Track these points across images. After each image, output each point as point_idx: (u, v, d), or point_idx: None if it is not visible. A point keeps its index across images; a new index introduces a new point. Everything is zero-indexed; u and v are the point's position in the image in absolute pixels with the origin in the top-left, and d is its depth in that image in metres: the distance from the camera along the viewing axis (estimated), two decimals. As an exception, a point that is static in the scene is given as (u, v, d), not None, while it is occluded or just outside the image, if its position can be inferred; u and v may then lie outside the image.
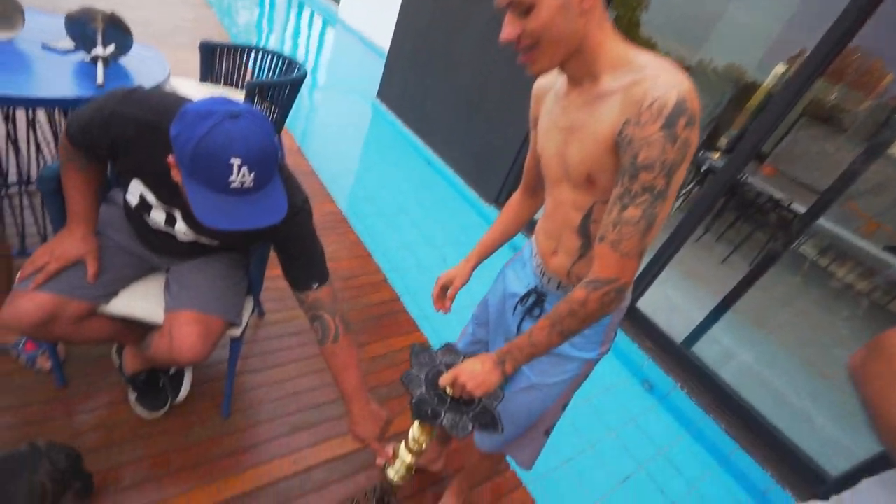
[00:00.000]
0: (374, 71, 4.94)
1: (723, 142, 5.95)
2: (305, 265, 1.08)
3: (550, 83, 0.93)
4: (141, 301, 1.20)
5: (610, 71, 0.76)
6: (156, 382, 1.39)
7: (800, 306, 4.26)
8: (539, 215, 1.08)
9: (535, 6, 0.69)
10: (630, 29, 5.47)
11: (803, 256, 4.80)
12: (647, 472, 2.00)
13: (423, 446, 1.11)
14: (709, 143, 5.74)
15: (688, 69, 6.02)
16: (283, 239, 1.04)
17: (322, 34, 8.26)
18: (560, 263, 0.96)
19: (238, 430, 1.47)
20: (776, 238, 2.47)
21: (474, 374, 0.90)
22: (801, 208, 4.28)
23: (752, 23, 5.39)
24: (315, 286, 1.09)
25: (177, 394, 1.42)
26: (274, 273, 2.07)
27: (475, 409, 0.98)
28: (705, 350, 2.56)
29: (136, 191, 1.05)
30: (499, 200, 3.56)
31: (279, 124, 2.47)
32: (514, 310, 1.09)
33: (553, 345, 0.84)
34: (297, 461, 1.44)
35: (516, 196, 1.18)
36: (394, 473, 1.18)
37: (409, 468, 1.17)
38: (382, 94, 4.88)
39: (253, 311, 1.40)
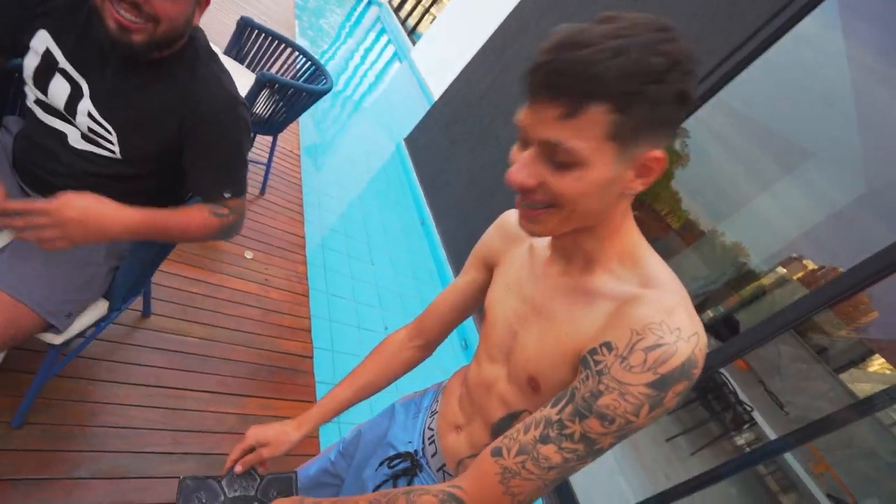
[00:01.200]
0: (418, 116, 4.92)
1: (707, 315, 5.90)
2: (222, 171, 0.97)
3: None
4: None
5: (611, 264, 0.58)
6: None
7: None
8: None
9: (580, 166, 0.48)
10: (661, 178, 5.56)
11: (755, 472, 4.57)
12: None
13: None
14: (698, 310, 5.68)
15: (701, 233, 6.13)
16: (209, 135, 0.93)
17: (388, 64, 8.47)
18: (456, 446, 0.73)
19: (25, 449, 1.14)
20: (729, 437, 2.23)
21: None
22: (761, 420, 4.12)
23: (773, 219, 5.53)
24: (227, 196, 0.98)
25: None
26: (187, 272, 1.83)
27: None
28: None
29: (40, 46, 0.85)
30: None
31: (282, 125, 2.30)
32: (380, 465, 0.82)
33: None
34: (67, 522, 1.10)
35: (399, 337, 0.89)
36: None
37: None
38: (411, 140, 4.82)
39: (110, 315, 1.12)
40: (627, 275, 0.56)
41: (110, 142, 0.91)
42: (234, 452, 0.79)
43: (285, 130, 2.51)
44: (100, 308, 1.05)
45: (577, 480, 2.37)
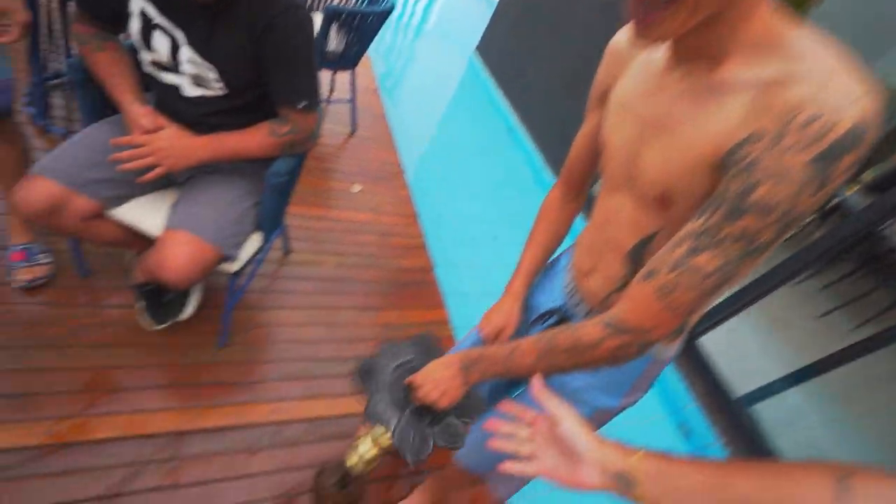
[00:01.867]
0: (482, 23, 4.64)
1: (868, 175, 5.00)
2: (293, 78, 1.06)
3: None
4: (146, 214, 1.16)
5: (746, 52, 0.51)
6: (162, 296, 1.39)
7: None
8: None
9: None
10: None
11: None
12: None
13: (387, 444, 1.00)
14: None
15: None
16: (274, 43, 1.00)
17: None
18: (595, 288, 0.77)
19: (230, 362, 1.45)
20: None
21: (436, 380, 0.77)
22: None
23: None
24: (301, 105, 1.08)
25: (180, 311, 1.42)
26: (310, 212, 2.05)
27: (439, 421, 0.84)
28: (767, 412, 2.20)
29: (136, 9, 0.99)
30: (573, 188, 3.25)
31: (357, 57, 2.34)
32: (530, 326, 0.91)
33: (535, 374, 0.66)
34: (275, 411, 1.40)
35: (554, 197, 0.94)
36: (353, 461, 1.09)
37: (369, 463, 1.07)
38: (482, 49, 4.58)
39: (266, 245, 1.33)
40: (766, 56, 0.49)
41: (214, 80, 1.04)
42: (486, 343, 0.90)
43: (360, 66, 2.55)
44: (256, 239, 1.25)
45: (721, 363, 2.32)
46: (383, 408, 0.84)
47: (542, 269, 0.95)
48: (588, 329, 0.62)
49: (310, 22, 1.03)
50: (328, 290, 1.80)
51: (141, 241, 1.24)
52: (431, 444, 0.82)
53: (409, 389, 0.86)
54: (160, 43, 1.01)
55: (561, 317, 0.85)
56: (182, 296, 1.42)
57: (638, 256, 0.68)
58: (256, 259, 1.35)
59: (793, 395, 2.21)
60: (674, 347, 0.78)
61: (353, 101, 2.53)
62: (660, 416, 2.22)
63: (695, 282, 0.53)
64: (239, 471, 1.25)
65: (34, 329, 1.28)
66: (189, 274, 1.05)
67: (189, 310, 1.43)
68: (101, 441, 1.17)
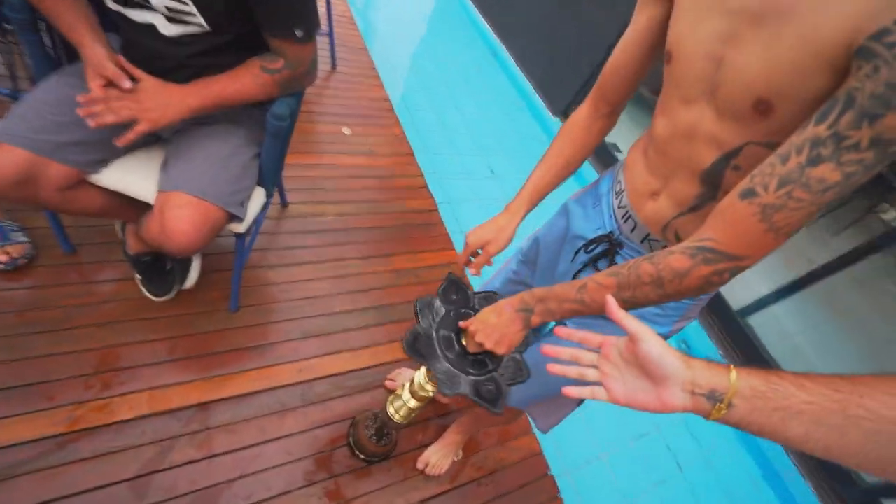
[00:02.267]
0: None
1: None
2: (292, 4, 0.89)
3: None
4: (134, 176, 1.03)
5: None
6: (162, 265, 1.28)
7: (882, 288, 3.72)
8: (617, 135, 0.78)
9: None
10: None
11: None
12: (663, 435, 1.87)
13: (431, 394, 0.97)
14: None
15: None
16: None
17: None
18: (658, 211, 0.69)
19: (245, 326, 1.38)
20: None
21: (491, 326, 0.72)
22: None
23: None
24: (299, 34, 0.92)
25: (184, 280, 1.32)
26: (304, 160, 1.90)
27: (496, 367, 0.80)
28: (762, 324, 2.27)
29: None
30: (565, 114, 3.10)
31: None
32: (575, 256, 0.84)
33: (597, 310, 0.63)
34: (302, 370, 1.36)
35: (584, 113, 0.83)
36: (394, 412, 1.07)
37: (410, 412, 1.04)
38: (457, -38, 4.17)
39: (267, 201, 1.21)
40: None
41: (192, 14, 0.87)
42: (461, 258, 0.86)
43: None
44: (259, 195, 1.13)
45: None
46: (433, 354, 0.79)
47: (555, 188, 0.86)
48: (675, 260, 0.55)
49: None
50: (333, 242, 1.70)
51: (131, 210, 1.12)
52: (476, 391, 0.78)
53: (462, 336, 0.81)
54: None
55: (610, 243, 0.78)
56: (183, 263, 1.32)
57: (717, 175, 0.60)
58: (258, 216, 1.24)
59: (782, 306, 2.27)
60: None
61: (330, 33, 2.28)
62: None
63: (809, 198, 0.46)
64: (272, 433, 1.23)
65: (27, 315, 1.18)
66: (196, 240, 0.94)
67: (193, 276, 1.33)
68: (126, 421, 1.12)
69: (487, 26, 3.76)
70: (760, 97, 0.52)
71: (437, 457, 1.31)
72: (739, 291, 2.31)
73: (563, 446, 1.65)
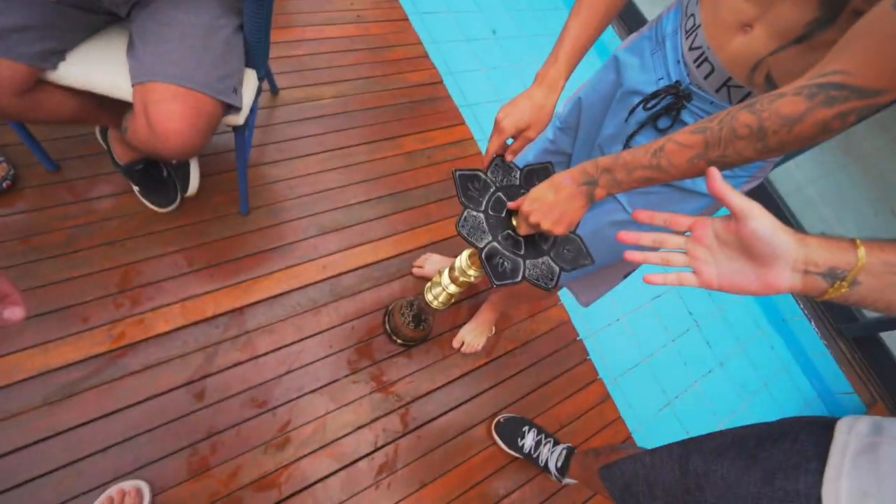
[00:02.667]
0: None
1: None
2: None
3: None
4: (99, 68, 0.87)
5: None
6: (159, 173, 1.17)
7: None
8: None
9: None
10: None
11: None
12: (679, 293, 1.90)
13: (473, 279, 0.94)
14: None
15: None
16: None
17: None
18: (750, 46, 0.56)
19: (261, 228, 1.32)
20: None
21: (548, 204, 0.63)
22: None
23: None
24: None
25: (185, 186, 1.22)
26: (286, 36, 1.65)
27: (550, 248, 0.75)
28: (779, 176, 2.18)
29: None
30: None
31: None
32: (630, 114, 0.72)
33: (689, 176, 0.54)
34: (326, 266, 1.33)
35: None
36: (433, 298, 1.05)
37: (450, 297, 1.03)
38: None
39: (259, 88, 1.06)
40: None
41: None
42: (491, 146, 0.73)
43: None
44: (251, 79, 0.98)
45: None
46: (479, 226, 0.72)
47: (593, 44, 0.70)
48: (787, 100, 0.45)
49: None
50: (335, 128, 1.55)
51: (108, 111, 0.98)
52: (558, 273, 0.73)
53: (512, 215, 0.74)
54: None
55: (677, 96, 0.65)
56: (181, 167, 1.21)
57: (820, 24, 0.48)
58: (253, 104, 1.09)
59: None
60: None
61: None
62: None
63: None
64: (310, 330, 1.24)
65: (32, 241, 1.11)
66: (193, 138, 0.82)
67: (194, 182, 1.23)
68: (165, 334, 1.12)
69: None
70: None
71: (472, 335, 1.35)
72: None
73: (588, 312, 1.70)
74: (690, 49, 0.63)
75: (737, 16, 0.56)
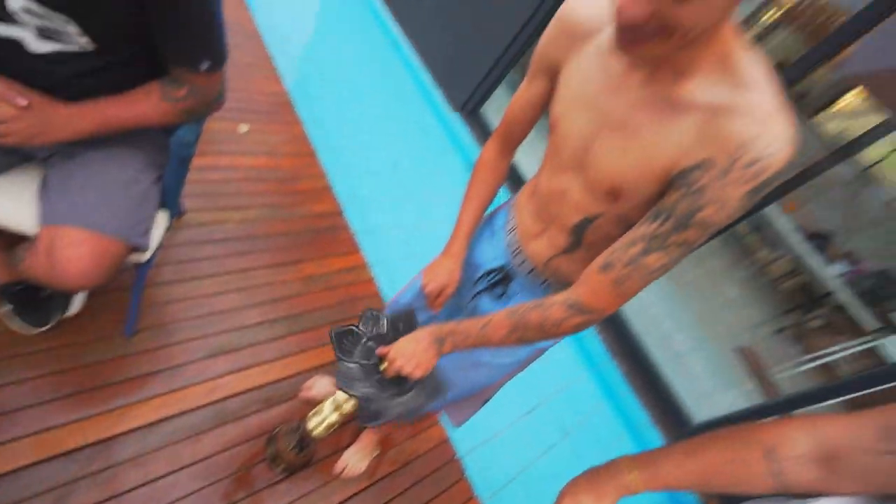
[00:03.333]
0: None
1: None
2: (195, 31, 0.84)
3: (596, 21, 0.68)
4: (5, 202, 0.91)
5: (706, 71, 0.56)
6: (36, 293, 1.15)
7: (710, 266, 4.58)
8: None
9: None
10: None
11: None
12: (549, 406, 2.16)
13: (350, 415, 1.05)
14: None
15: None
16: None
17: None
18: (540, 250, 0.86)
19: (145, 350, 1.30)
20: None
21: (409, 354, 0.83)
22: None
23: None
24: (205, 66, 0.87)
25: (66, 306, 1.20)
26: (200, 162, 1.77)
27: (404, 391, 0.91)
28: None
29: None
30: (464, 109, 3.24)
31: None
32: (475, 282, 0.98)
33: (505, 346, 0.78)
34: (213, 390, 1.33)
35: (491, 154, 0.95)
36: (314, 426, 1.12)
37: (329, 427, 1.11)
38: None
39: (169, 225, 1.15)
40: (720, 78, 0.55)
41: (76, 33, 0.78)
42: (430, 298, 0.94)
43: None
44: (162, 219, 1.07)
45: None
46: (353, 375, 0.88)
47: (476, 226, 0.99)
48: (554, 311, 0.71)
49: None
50: (237, 251, 1.64)
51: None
52: (394, 413, 0.89)
53: (380, 360, 0.90)
54: None
55: (505, 274, 0.93)
56: (64, 288, 1.19)
57: (581, 231, 0.77)
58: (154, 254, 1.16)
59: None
60: None
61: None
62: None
63: (643, 276, 0.64)
64: (187, 459, 1.20)
65: None
66: (96, 278, 0.88)
67: (78, 301, 1.21)
68: (13, 472, 1.02)
69: (389, 16, 3.71)
70: (613, 186, 0.68)
71: (355, 459, 1.40)
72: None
73: (465, 429, 1.83)
74: (510, 243, 0.91)
75: (532, 228, 0.86)
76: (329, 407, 1.09)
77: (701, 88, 0.57)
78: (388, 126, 2.84)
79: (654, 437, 2.30)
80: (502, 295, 0.95)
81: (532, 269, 0.88)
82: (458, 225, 0.96)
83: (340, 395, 1.04)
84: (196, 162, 1.73)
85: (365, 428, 1.45)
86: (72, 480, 1.06)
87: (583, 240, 0.77)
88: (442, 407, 1.21)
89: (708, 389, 2.98)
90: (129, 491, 1.10)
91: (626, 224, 0.67)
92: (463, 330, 0.80)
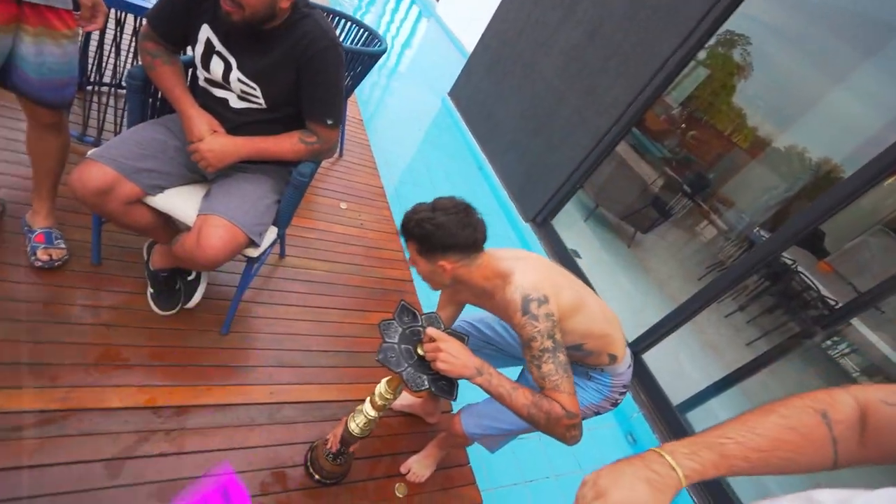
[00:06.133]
0: (454, 69, 5.08)
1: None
2: (325, 100, 1.28)
3: None
4: (181, 201, 1.31)
5: (494, 284, 1.07)
6: (173, 284, 1.51)
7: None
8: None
9: (415, 264, 1.10)
10: (722, 92, 5.37)
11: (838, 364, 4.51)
12: (585, 472, 1.96)
13: (388, 403, 1.18)
14: (773, 225, 5.51)
15: (769, 144, 5.86)
16: (313, 72, 1.22)
17: (415, 24, 8.52)
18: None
19: (232, 348, 1.57)
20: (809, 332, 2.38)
21: (453, 355, 1.00)
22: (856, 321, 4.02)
23: (847, 116, 5.17)
24: (329, 122, 1.31)
25: (189, 298, 1.54)
26: (303, 223, 2.22)
27: (434, 373, 1.04)
28: (698, 418, 2.49)
29: (203, 37, 1.20)
30: (535, 220, 3.58)
31: (349, 91, 2.59)
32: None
33: (515, 411, 0.99)
34: (274, 393, 1.52)
35: None
36: (355, 426, 1.24)
37: (370, 422, 1.23)
38: (455, 92, 4.99)
39: (274, 243, 1.49)
40: (499, 285, 1.05)
41: (257, 97, 1.25)
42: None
43: (349, 100, 2.80)
44: (272, 232, 1.42)
45: (662, 376, 2.60)
46: (395, 356, 1.04)
47: None
48: (556, 409, 0.95)
49: (343, 58, 1.27)
50: (318, 292, 1.95)
51: (166, 232, 1.38)
52: (426, 384, 1.02)
53: (421, 340, 1.06)
54: (217, 66, 1.22)
55: None
56: (191, 284, 1.55)
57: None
58: (261, 256, 1.50)
59: (717, 406, 2.52)
60: (624, 377, 1.26)
61: (342, 129, 2.76)
62: (611, 424, 2.46)
63: (555, 376, 0.97)
64: (238, 443, 1.36)
65: (49, 307, 1.37)
66: (223, 253, 1.20)
67: (197, 298, 1.55)
68: (113, 409, 1.26)
69: (474, 141, 4.41)
70: None
71: (419, 466, 1.52)
72: (680, 388, 2.56)
73: (500, 497, 1.76)
74: None
75: None
76: (368, 403, 1.23)
77: (498, 293, 1.06)
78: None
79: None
80: None
81: None
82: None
83: (379, 389, 1.18)
84: (301, 223, 2.22)
85: (400, 459, 1.53)
86: (151, 430, 1.27)
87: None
88: (479, 438, 1.39)
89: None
90: (189, 453, 1.27)
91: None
92: (496, 381, 1.01)
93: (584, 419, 1.12)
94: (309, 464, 1.39)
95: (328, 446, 1.32)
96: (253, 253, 1.35)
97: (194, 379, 1.43)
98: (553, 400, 0.95)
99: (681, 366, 3.16)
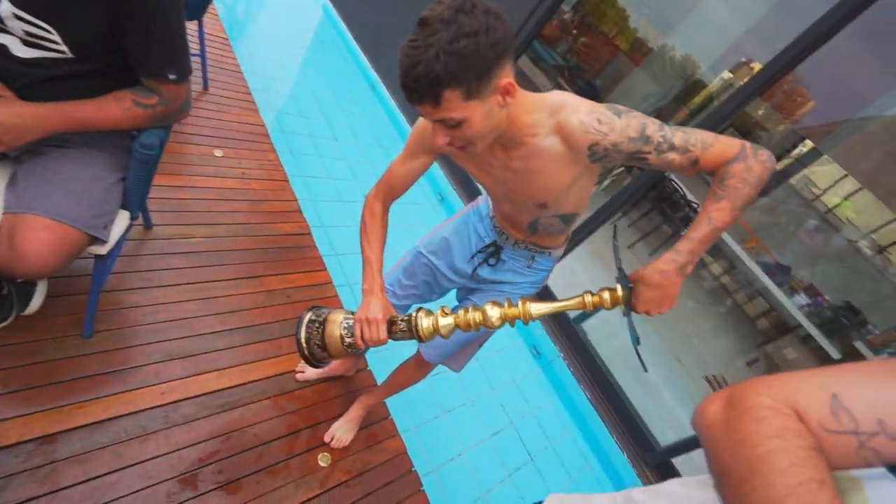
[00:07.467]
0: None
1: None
2: (162, 46, 0.97)
3: None
4: (-25, 195, 0.99)
5: (528, 127, 0.86)
6: (-2, 289, 1.19)
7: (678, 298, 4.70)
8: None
9: (463, 122, 0.77)
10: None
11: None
12: (516, 428, 2.18)
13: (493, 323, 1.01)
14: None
15: (650, 51, 6.10)
16: (138, 8, 0.89)
17: None
18: (515, 232, 1.15)
19: (101, 351, 1.33)
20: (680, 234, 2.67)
21: (658, 298, 0.89)
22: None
23: (717, 22, 5.47)
24: (172, 77, 1.00)
25: (26, 304, 1.24)
26: (172, 181, 1.87)
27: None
28: (593, 328, 2.77)
29: None
30: (438, 146, 3.43)
31: (202, 4, 2.10)
32: (472, 257, 1.24)
33: (728, 223, 0.83)
34: (165, 392, 1.35)
35: (379, 208, 1.10)
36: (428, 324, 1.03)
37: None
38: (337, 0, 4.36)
39: (129, 230, 1.22)
40: (542, 121, 0.85)
41: (54, 41, 0.90)
42: (381, 331, 1.04)
43: (207, 14, 2.28)
44: (123, 218, 1.15)
45: (559, 289, 2.80)
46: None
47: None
48: (731, 172, 0.81)
49: None
50: (200, 263, 1.70)
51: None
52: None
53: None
54: None
55: (496, 246, 1.19)
56: (24, 286, 1.24)
57: (534, 226, 1.07)
58: (113, 251, 1.23)
59: (607, 313, 2.82)
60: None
61: (202, 53, 2.27)
62: (517, 343, 2.65)
63: (696, 136, 0.83)
64: (131, 459, 1.21)
65: None
66: (53, 263, 0.94)
67: (37, 301, 1.25)
68: (-51, 460, 1.02)
69: (366, 60, 3.98)
70: (539, 202, 0.96)
71: (342, 431, 1.51)
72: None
73: (429, 447, 1.84)
74: (494, 226, 1.18)
75: (506, 223, 1.13)
76: (493, 312, 0.98)
77: (537, 134, 0.86)
78: (360, 162, 2.99)
79: (622, 462, 2.31)
80: (496, 262, 1.20)
81: (516, 242, 1.16)
82: (371, 264, 1.08)
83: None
84: (168, 181, 1.87)
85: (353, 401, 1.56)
86: (11, 474, 1.06)
87: (538, 229, 1.08)
88: (443, 360, 1.36)
89: (677, 415, 3.01)
90: (67, 487, 1.10)
91: (558, 216, 1.00)
92: (691, 246, 0.84)
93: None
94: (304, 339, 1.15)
95: (352, 339, 1.10)
96: (101, 250, 1.09)
97: (56, 400, 1.20)
98: (723, 162, 0.81)
99: (576, 277, 3.43)
